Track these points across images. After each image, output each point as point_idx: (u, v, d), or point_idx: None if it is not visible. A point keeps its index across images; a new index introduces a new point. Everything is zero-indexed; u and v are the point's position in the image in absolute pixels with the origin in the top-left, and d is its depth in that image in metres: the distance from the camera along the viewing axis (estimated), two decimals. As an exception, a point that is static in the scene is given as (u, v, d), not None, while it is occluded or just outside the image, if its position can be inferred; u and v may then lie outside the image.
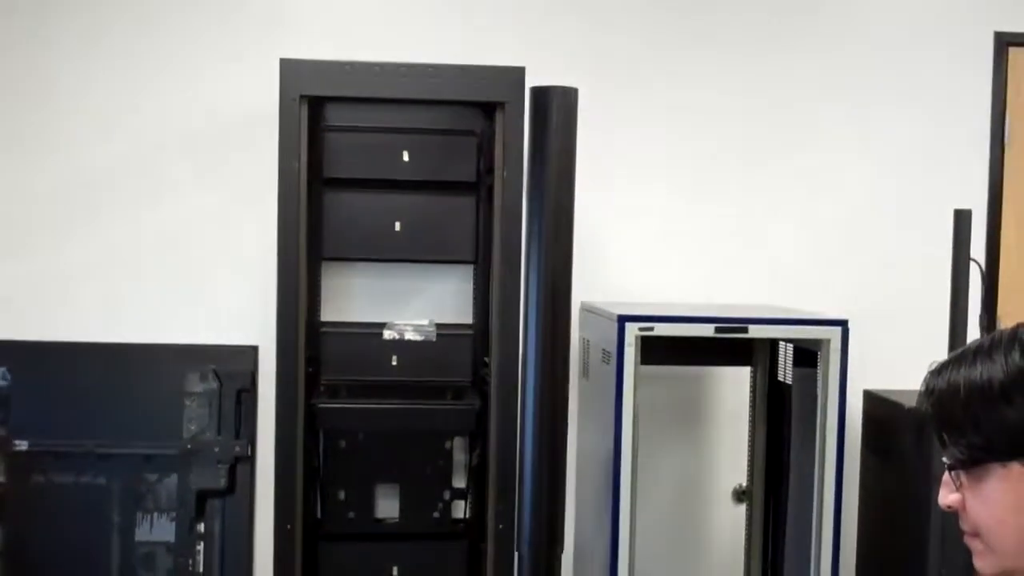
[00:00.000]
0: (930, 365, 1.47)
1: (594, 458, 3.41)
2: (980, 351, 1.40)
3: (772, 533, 3.70)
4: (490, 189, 3.48)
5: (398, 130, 3.47)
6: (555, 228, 2.96)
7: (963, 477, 1.41)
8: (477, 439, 3.60)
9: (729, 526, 3.87)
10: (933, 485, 3.01)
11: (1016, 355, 1.36)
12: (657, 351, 3.30)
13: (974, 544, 1.44)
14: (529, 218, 2.98)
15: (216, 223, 3.69)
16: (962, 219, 3.31)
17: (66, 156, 3.65)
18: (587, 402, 3.55)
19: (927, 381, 1.45)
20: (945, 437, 1.41)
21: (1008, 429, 1.35)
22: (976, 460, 1.38)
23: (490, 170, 3.47)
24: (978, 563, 1.45)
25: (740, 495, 3.85)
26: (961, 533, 1.47)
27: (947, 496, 1.44)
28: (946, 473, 1.44)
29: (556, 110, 2.80)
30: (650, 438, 3.54)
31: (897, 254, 3.89)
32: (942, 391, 1.41)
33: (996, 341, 1.40)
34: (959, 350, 1.44)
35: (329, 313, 3.69)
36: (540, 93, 2.80)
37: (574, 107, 2.87)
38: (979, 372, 1.38)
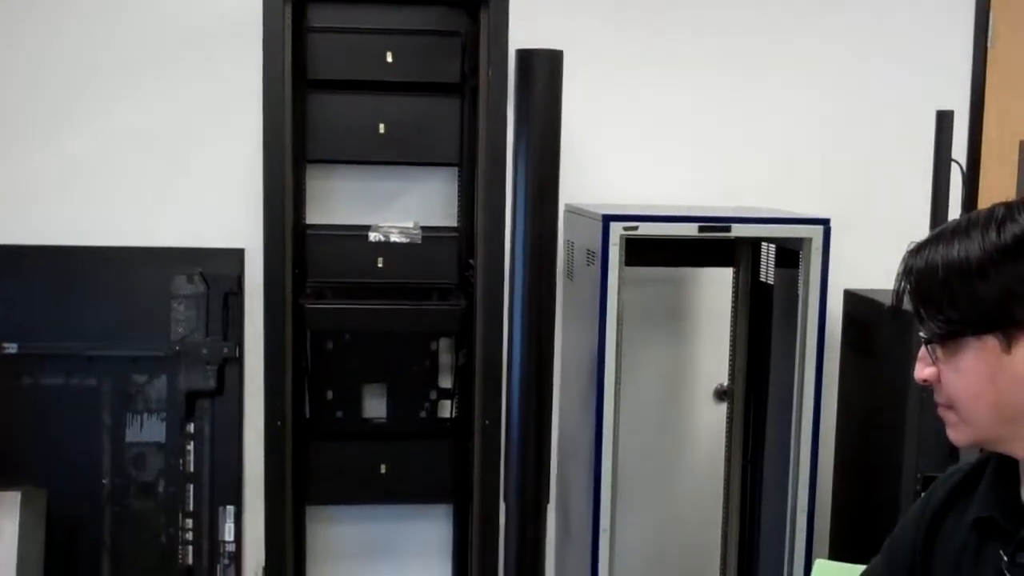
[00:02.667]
0: (908, 245, 1.51)
1: (578, 359, 3.46)
2: (958, 230, 1.45)
3: (752, 431, 3.77)
4: (474, 90, 3.48)
5: (382, 31, 3.45)
6: (542, 130, 2.99)
7: (939, 351, 1.46)
8: (463, 339, 3.64)
9: (710, 425, 3.94)
10: (910, 381, 3.08)
11: (992, 233, 1.40)
12: (641, 252, 3.34)
13: (948, 416, 1.50)
14: (517, 120, 3.00)
15: (200, 125, 3.67)
16: (944, 120, 3.34)
17: (51, 57, 3.62)
18: (571, 304, 3.59)
19: (905, 260, 1.49)
20: (922, 312, 1.46)
21: (983, 303, 1.40)
22: (952, 334, 1.43)
23: (474, 71, 3.46)
24: (952, 434, 1.50)
25: (721, 394, 3.91)
26: (935, 406, 1.52)
27: (923, 370, 1.49)
28: (923, 348, 1.48)
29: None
30: (633, 339, 3.58)
31: (878, 155, 3.91)
32: (920, 269, 1.46)
33: (973, 220, 1.44)
34: (937, 229, 1.48)
35: (314, 215, 3.70)
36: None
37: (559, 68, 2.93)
38: (956, 250, 1.42)
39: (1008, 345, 1.40)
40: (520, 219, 3.03)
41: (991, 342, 1.41)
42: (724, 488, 3.88)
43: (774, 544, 3.45)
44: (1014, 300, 1.38)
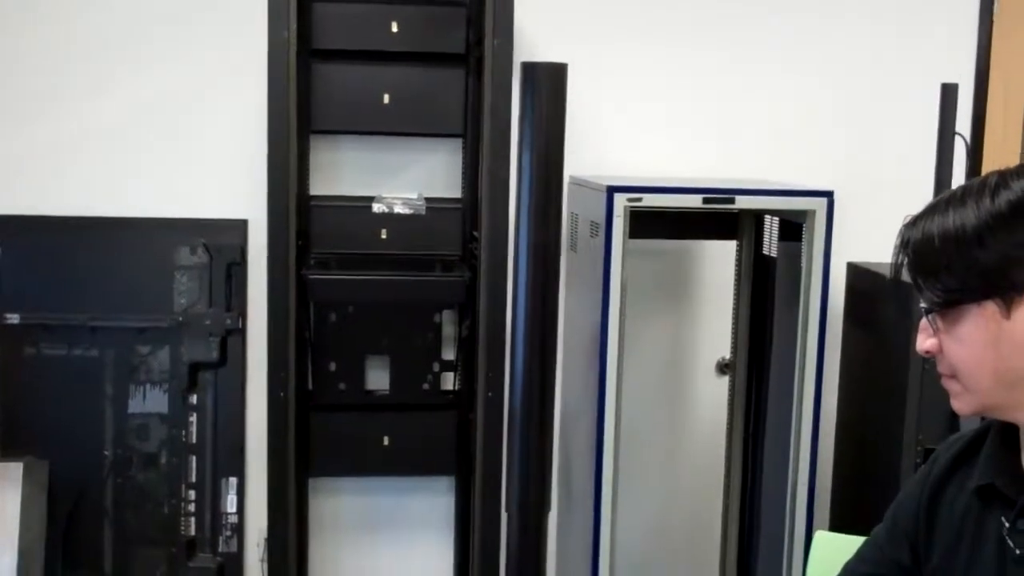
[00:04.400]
0: (905, 219, 1.51)
1: (581, 331, 3.46)
2: (952, 199, 1.45)
3: (754, 404, 3.77)
4: (479, 60, 3.47)
5: (386, 1, 3.43)
6: (549, 101, 2.98)
7: (940, 321, 1.46)
8: (466, 311, 3.64)
9: (712, 397, 3.94)
10: (912, 354, 3.09)
11: (987, 200, 1.41)
12: (645, 225, 3.34)
13: (951, 385, 1.50)
14: (523, 90, 2.99)
15: (204, 96, 3.66)
16: (948, 93, 3.32)
17: (55, 28, 3.60)
18: (574, 276, 3.59)
19: (902, 233, 1.50)
20: (921, 283, 1.46)
21: (981, 270, 1.40)
22: (952, 302, 1.44)
23: (479, 41, 3.45)
24: (955, 404, 1.51)
25: (724, 367, 3.91)
26: (937, 378, 1.52)
27: (925, 341, 1.50)
28: (923, 319, 1.49)
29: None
30: (636, 312, 3.58)
31: (882, 128, 3.89)
32: (917, 241, 1.46)
33: (968, 189, 1.45)
34: (932, 201, 1.49)
35: (318, 187, 3.69)
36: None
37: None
38: (952, 219, 1.43)
39: (1008, 310, 1.40)
40: (525, 191, 3.02)
41: (991, 308, 1.41)
42: (726, 460, 3.89)
43: (775, 516, 3.46)
44: (1012, 265, 1.39)
